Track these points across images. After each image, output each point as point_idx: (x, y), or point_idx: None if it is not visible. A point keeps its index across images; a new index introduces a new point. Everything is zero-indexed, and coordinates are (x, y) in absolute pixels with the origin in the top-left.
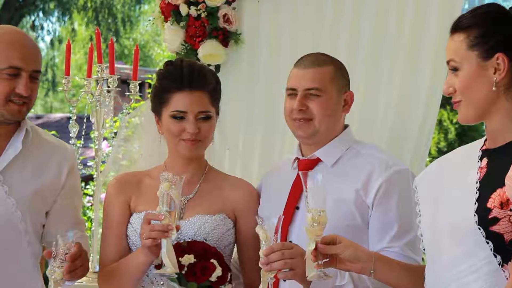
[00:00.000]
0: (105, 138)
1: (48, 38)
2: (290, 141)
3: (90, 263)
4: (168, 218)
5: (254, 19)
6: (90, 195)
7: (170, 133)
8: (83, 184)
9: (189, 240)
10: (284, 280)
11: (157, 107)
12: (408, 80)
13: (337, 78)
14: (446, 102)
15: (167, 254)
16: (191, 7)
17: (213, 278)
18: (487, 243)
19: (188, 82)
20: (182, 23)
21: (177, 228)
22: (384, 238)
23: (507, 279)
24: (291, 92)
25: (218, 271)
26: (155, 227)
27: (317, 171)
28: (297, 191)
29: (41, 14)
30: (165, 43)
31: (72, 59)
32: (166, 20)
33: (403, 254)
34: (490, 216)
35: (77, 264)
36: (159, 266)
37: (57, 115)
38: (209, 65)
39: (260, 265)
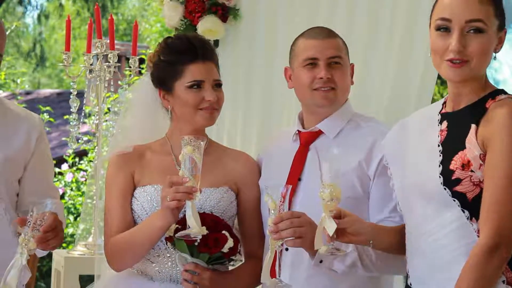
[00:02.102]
0: (90, 114)
1: (35, 14)
2: (288, 115)
3: (91, 236)
4: (192, 181)
5: None
6: (84, 170)
7: (187, 104)
8: (77, 159)
9: (199, 212)
10: (287, 249)
11: (166, 82)
12: (404, 53)
13: (346, 50)
14: (437, 76)
15: (192, 216)
16: None
17: (225, 249)
18: (454, 201)
19: (202, 53)
20: None
21: (200, 191)
22: (385, 208)
23: (475, 231)
24: (311, 62)
25: (230, 242)
26: (180, 189)
27: (334, 147)
28: (300, 163)
29: None
30: (164, 18)
31: (60, 34)
32: None
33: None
34: (453, 177)
35: (49, 236)
36: (171, 238)
37: (47, 91)
38: (208, 40)
39: (268, 233)
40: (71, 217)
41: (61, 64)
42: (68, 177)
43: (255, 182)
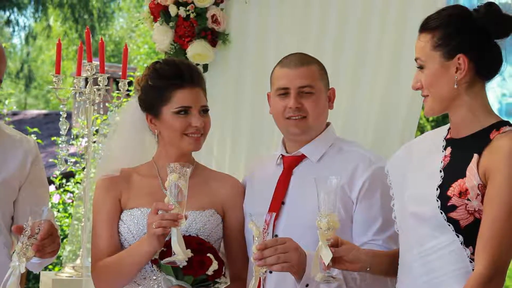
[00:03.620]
0: (77, 136)
1: (23, 34)
2: (277, 139)
3: (79, 258)
4: (177, 208)
5: (242, 19)
6: (70, 192)
7: (173, 130)
8: (63, 180)
9: (184, 235)
10: (270, 272)
11: (154, 107)
12: (391, 80)
13: (323, 75)
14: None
15: (177, 243)
16: (180, 7)
17: (210, 271)
18: (449, 225)
19: (189, 78)
20: (171, 24)
21: (186, 217)
22: (368, 231)
23: (468, 256)
24: (283, 92)
25: (215, 265)
26: (166, 216)
27: (333, 177)
28: (283, 186)
29: (16, 9)
30: (152, 40)
31: (47, 55)
32: (155, 20)
33: (386, 247)
34: (448, 204)
35: (46, 243)
36: (156, 260)
37: (34, 112)
38: (198, 64)
39: (252, 260)
40: None
41: (51, 87)
42: (55, 198)
43: (241, 205)
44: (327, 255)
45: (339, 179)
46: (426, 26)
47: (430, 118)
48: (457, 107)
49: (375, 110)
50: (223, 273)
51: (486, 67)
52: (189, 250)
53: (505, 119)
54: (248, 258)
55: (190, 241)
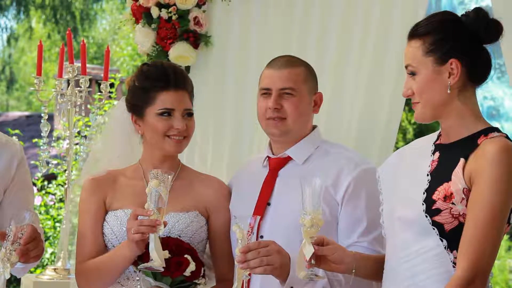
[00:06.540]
0: (59, 138)
1: (5, 35)
2: (258, 142)
3: (60, 260)
4: (156, 214)
5: (224, 21)
6: (52, 194)
7: (156, 131)
8: (45, 182)
9: (163, 236)
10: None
11: (139, 107)
12: (373, 83)
13: (309, 79)
14: (405, 103)
15: (155, 249)
16: (162, 9)
17: (187, 272)
18: (433, 229)
19: (174, 81)
20: (153, 25)
21: (165, 224)
22: (354, 233)
23: (451, 261)
24: (265, 92)
25: (192, 266)
26: (144, 222)
27: (316, 176)
28: (269, 188)
29: None
30: (136, 44)
31: (29, 57)
32: (137, 22)
33: (371, 249)
34: (433, 207)
35: (30, 247)
36: (136, 262)
37: (15, 114)
38: (180, 66)
39: (236, 262)
40: None
41: (32, 88)
42: (37, 200)
43: (226, 207)
44: (309, 251)
45: (323, 178)
46: (416, 32)
47: (412, 121)
48: (448, 113)
49: (357, 112)
50: (201, 274)
51: (477, 72)
52: (166, 252)
53: (487, 121)
54: (234, 259)
55: (168, 242)
